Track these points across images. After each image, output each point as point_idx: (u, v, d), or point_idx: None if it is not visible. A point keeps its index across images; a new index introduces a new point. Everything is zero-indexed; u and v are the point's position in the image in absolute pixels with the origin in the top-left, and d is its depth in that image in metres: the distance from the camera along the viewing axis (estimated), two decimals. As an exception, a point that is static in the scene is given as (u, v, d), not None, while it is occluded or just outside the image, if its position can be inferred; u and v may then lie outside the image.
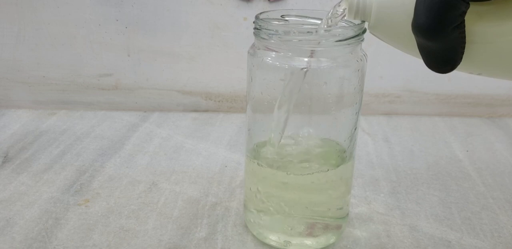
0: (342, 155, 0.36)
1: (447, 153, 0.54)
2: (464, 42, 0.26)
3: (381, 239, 0.39)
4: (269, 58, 0.33)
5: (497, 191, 0.46)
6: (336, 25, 0.32)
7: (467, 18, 0.25)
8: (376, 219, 0.42)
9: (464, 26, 0.25)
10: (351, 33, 0.31)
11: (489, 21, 0.26)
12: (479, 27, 0.26)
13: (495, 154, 0.54)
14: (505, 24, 0.25)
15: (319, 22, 0.34)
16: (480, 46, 0.26)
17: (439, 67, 0.27)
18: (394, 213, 0.43)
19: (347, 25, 0.33)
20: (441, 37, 0.25)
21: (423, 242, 0.39)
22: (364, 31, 0.32)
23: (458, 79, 0.63)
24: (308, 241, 0.37)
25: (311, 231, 0.37)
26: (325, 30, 0.31)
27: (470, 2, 0.24)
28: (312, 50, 0.31)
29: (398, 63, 0.62)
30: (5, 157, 0.52)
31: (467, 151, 0.55)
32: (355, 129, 0.36)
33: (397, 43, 0.30)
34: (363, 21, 0.32)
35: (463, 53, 0.26)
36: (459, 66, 0.27)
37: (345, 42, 0.31)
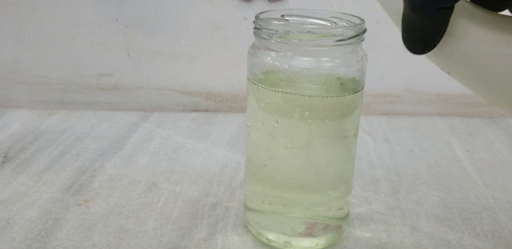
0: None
1: (447, 153, 0.54)
2: (444, 30, 0.26)
3: (382, 239, 0.39)
4: (269, 58, 0.33)
5: (497, 191, 0.46)
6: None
7: (457, 12, 0.25)
8: (376, 219, 0.42)
9: (450, 15, 0.25)
10: (352, 33, 0.31)
11: (475, 23, 0.26)
12: (461, 23, 0.26)
13: (495, 154, 0.54)
14: (488, 32, 0.25)
15: (319, 22, 0.34)
16: (456, 41, 0.26)
17: (412, 44, 0.27)
18: (394, 213, 0.43)
19: (347, 25, 0.33)
20: (426, 12, 0.25)
21: (423, 242, 0.39)
22: (365, 30, 0.32)
23: (459, 79, 0.63)
24: (308, 242, 0.37)
25: (311, 231, 0.36)
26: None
27: None
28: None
29: (398, 63, 0.62)
30: (5, 157, 0.52)
31: (468, 151, 0.55)
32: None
33: (392, 12, 0.30)
34: (363, 21, 0.31)
35: (438, 41, 0.26)
36: (432, 57, 0.27)
37: (345, 42, 0.31)
